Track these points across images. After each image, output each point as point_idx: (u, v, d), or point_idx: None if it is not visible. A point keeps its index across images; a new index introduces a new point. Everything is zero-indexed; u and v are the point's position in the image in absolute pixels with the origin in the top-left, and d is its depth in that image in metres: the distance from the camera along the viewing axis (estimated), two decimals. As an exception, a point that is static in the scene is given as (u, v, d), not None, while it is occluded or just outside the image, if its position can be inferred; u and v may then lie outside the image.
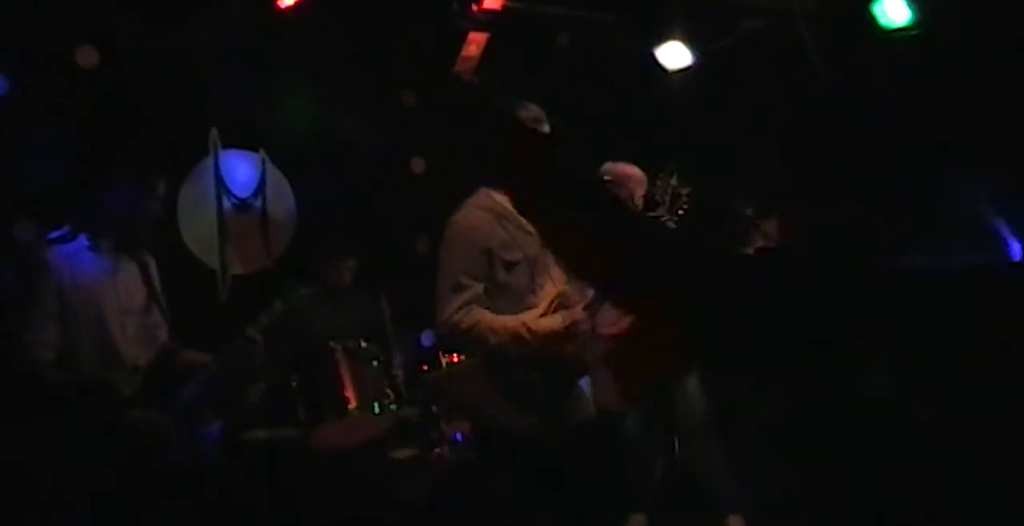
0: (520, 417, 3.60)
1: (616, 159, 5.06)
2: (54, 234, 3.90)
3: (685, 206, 3.80)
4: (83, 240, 3.89)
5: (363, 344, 5.08)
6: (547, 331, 3.63)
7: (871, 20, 5.49)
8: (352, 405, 4.93)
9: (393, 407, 5.01)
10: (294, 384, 4.93)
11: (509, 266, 3.64)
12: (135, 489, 3.68)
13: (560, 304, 3.69)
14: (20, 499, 3.60)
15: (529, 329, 3.60)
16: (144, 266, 4.04)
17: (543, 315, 3.66)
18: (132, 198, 3.93)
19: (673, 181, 3.79)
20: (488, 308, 3.62)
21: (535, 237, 3.70)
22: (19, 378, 3.73)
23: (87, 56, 5.19)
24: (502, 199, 3.68)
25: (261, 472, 4.88)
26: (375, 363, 5.06)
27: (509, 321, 3.61)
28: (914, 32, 5.43)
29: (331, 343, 5.01)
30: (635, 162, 5.16)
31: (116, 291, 3.92)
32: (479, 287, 3.60)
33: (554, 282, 3.73)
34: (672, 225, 3.74)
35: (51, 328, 3.74)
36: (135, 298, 3.97)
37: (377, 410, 4.97)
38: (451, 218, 3.70)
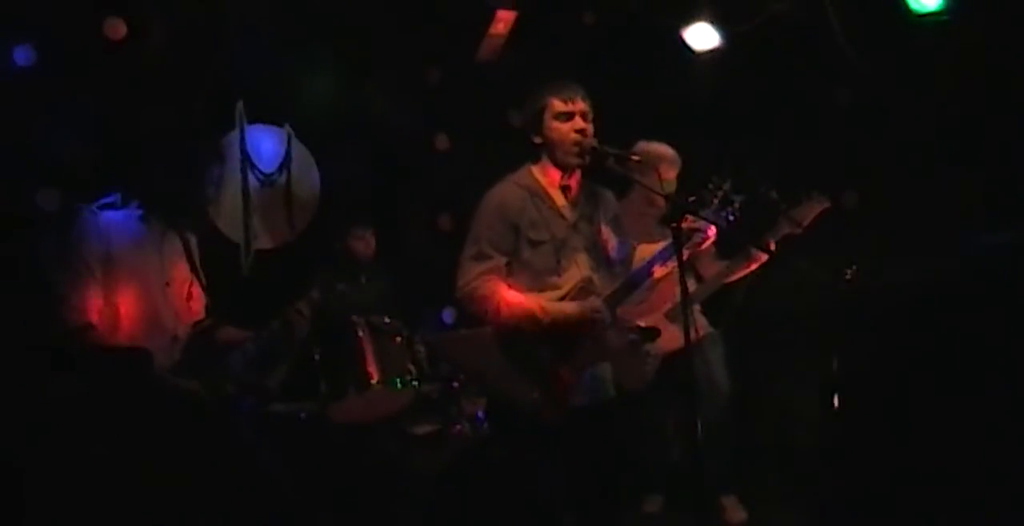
0: (525, 390, 3.62)
1: (640, 140, 5.07)
2: (106, 200, 3.92)
3: (736, 214, 3.81)
4: (134, 209, 3.91)
5: (386, 320, 5.10)
6: (562, 315, 3.65)
7: (901, 4, 5.46)
8: (374, 380, 4.95)
9: (415, 383, 5.03)
10: (316, 358, 4.96)
11: (534, 244, 3.70)
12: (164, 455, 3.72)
13: (584, 289, 3.72)
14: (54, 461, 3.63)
15: (543, 310, 3.63)
16: (186, 241, 4.07)
17: (563, 298, 3.69)
18: (189, 179, 3.95)
19: (726, 186, 3.81)
20: (508, 282, 3.66)
21: (567, 220, 3.74)
22: (62, 339, 3.75)
23: (115, 29, 5.20)
24: (541, 177, 3.78)
25: (281, 445, 4.91)
26: (398, 339, 5.08)
27: (525, 298, 3.65)
28: (945, 18, 5.40)
29: (354, 318, 5.03)
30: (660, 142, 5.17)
31: (161, 263, 3.95)
32: (502, 260, 3.68)
33: (580, 267, 3.75)
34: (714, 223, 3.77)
35: (98, 291, 3.77)
36: (178, 271, 4.01)
37: (399, 385, 4.99)
38: (489, 190, 3.80)
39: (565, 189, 3.80)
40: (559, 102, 3.74)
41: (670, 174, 5.00)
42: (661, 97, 6.27)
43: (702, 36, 6.06)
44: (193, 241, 4.10)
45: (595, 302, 3.68)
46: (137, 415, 3.59)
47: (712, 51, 6.09)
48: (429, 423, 5.21)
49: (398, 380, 5.00)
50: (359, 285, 5.59)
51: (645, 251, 4.00)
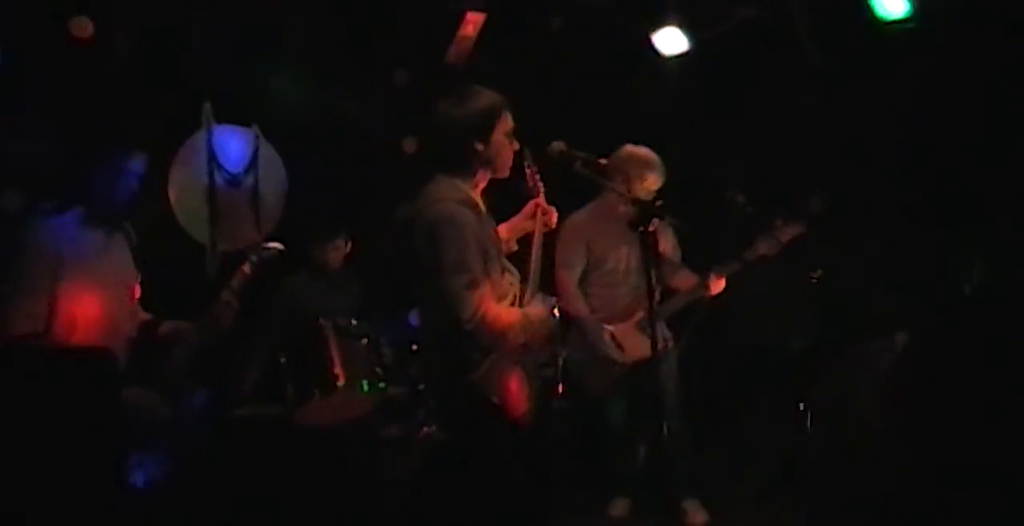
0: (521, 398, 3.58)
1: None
2: (46, 205, 3.89)
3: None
4: (76, 213, 3.89)
5: (353, 322, 5.07)
6: (541, 318, 3.59)
7: (867, 11, 5.49)
8: (340, 382, 4.92)
9: (381, 385, 5.01)
10: (283, 361, 4.93)
11: (490, 259, 3.55)
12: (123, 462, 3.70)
13: (518, 293, 3.64)
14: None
15: (529, 318, 3.56)
16: (130, 240, 4.06)
17: (512, 303, 3.60)
18: (112, 174, 3.93)
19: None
20: None
21: (492, 228, 3.66)
22: (11, 349, 3.71)
23: (81, 27, 5.16)
24: (470, 190, 3.57)
25: (247, 448, 4.89)
26: (364, 341, 5.05)
27: (513, 313, 3.55)
28: (911, 24, 5.44)
29: (321, 320, 5.01)
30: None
31: (109, 263, 3.93)
32: (487, 282, 3.49)
33: (509, 272, 3.67)
34: None
35: (43, 300, 3.74)
36: (125, 271, 3.99)
37: (365, 388, 4.96)
38: (441, 212, 3.45)
39: (480, 197, 3.65)
40: (510, 118, 3.54)
41: (656, 184, 5.03)
42: (629, 101, 6.28)
43: (671, 41, 6.08)
44: (133, 235, 4.10)
45: (550, 300, 3.65)
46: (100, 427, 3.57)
47: (681, 56, 6.12)
48: (397, 426, 5.19)
49: (365, 382, 4.97)
50: (325, 288, 5.58)
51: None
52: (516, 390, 3.50)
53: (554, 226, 3.87)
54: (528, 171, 3.76)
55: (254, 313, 4.16)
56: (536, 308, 3.62)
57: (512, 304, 3.60)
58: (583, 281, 5.30)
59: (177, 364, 3.99)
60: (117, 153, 3.99)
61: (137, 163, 4.03)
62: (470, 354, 3.44)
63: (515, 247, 3.86)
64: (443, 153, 3.55)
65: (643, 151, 5.14)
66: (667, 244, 5.27)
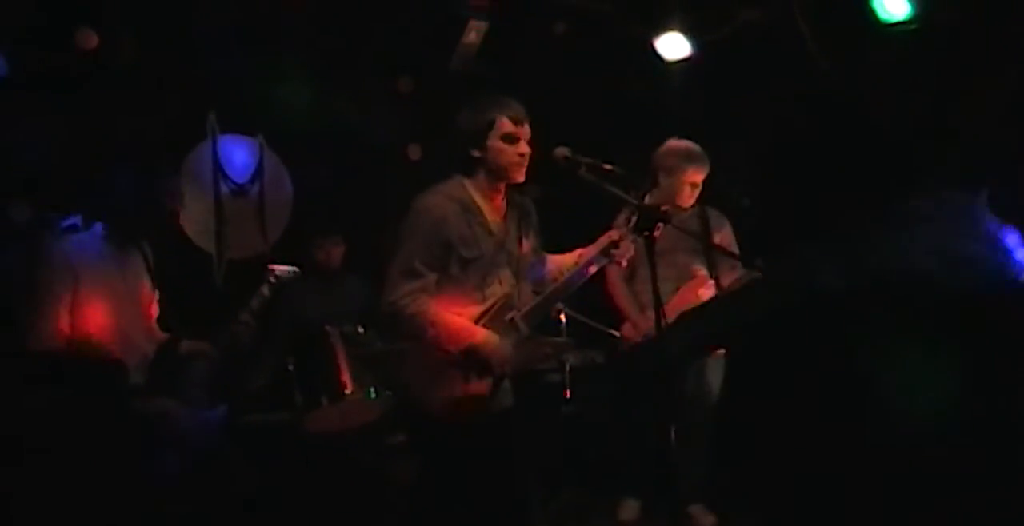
0: (450, 401, 3.58)
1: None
2: (68, 222, 3.92)
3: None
4: (98, 229, 3.91)
5: (360, 329, 5.09)
6: (478, 348, 3.59)
7: (870, 13, 5.48)
8: (348, 390, 4.94)
9: (389, 392, 5.02)
10: (291, 369, 4.95)
11: (465, 262, 3.62)
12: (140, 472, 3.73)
13: (504, 306, 3.68)
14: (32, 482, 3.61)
15: (463, 335, 3.58)
16: (145, 255, 4.07)
17: (485, 313, 3.65)
18: (147, 191, 3.95)
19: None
20: (434, 298, 3.61)
21: (495, 236, 3.70)
22: (33, 363, 3.73)
23: (86, 39, 5.18)
24: (474, 191, 3.68)
25: (256, 456, 4.90)
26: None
27: (453, 322, 3.60)
28: (913, 26, 5.43)
29: (328, 327, 5.02)
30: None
31: (126, 281, 3.95)
32: (432, 277, 3.59)
33: (502, 284, 3.72)
34: None
35: (65, 317, 3.76)
36: (142, 288, 4.01)
37: (373, 395, 4.98)
38: (421, 201, 3.64)
39: (496, 204, 3.74)
40: (509, 123, 3.63)
41: (699, 176, 5.01)
42: (633, 106, 6.29)
43: (674, 45, 6.08)
44: (150, 253, 4.11)
45: (506, 350, 3.63)
46: (110, 435, 3.59)
47: (684, 60, 6.12)
48: (404, 432, 5.19)
49: (372, 389, 5.00)
50: (328, 294, 5.59)
51: (557, 261, 3.98)
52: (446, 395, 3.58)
53: (622, 265, 3.92)
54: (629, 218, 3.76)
55: (259, 321, 4.16)
56: (494, 337, 3.62)
57: (487, 312, 3.64)
58: (632, 279, 5.24)
59: (195, 381, 4.00)
60: (148, 171, 4.01)
61: (169, 182, 4.07)
62: (386, 333, 3.57)
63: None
64: (451, 158, 3.72)
65: (684, 144, 5.09)
66: (725, 238, 5.22)
